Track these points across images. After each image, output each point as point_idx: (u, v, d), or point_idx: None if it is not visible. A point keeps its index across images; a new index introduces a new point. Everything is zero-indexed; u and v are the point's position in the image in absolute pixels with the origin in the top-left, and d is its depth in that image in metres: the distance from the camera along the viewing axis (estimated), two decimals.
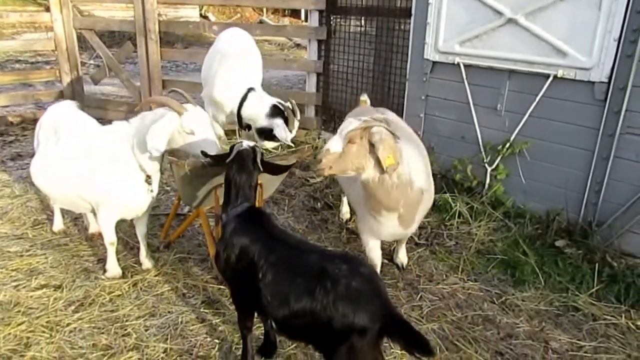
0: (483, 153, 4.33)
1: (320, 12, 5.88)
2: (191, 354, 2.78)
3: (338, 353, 2.03)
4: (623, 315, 3.14)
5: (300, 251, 2.28)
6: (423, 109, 4.74)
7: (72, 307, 3.12)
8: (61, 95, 6.74)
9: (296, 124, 4.56)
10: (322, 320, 2.03)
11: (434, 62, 4.53)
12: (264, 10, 19.34)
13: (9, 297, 3.18)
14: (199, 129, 3.07)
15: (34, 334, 2.86)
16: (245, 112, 4.58)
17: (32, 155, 3.61)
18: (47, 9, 6.64)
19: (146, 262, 3.55)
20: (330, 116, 6.14)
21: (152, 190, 3.29)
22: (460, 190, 4.36)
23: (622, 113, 3.52)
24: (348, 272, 2.07)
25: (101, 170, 3.15)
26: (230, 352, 2.81)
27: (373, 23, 5.69)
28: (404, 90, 4.95)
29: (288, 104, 4.51)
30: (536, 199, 4.11)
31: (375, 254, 3.21)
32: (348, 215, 4.30)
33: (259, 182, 2.82)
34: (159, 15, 6.56)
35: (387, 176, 2.73)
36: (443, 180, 4.48)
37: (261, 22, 17.22)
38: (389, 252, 3.75)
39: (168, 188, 4.84)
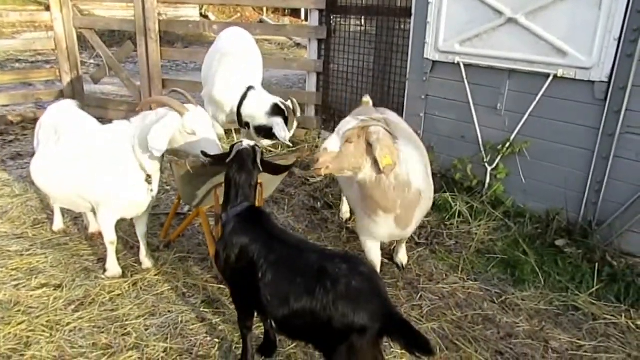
0: (483, 152, 4.33)
1: (321, 11, 5.88)
2: (191, 353, 2.78)
3: (338, 352, 2.03)
4: (623, 315, 3.15)
5: (300, 250, 2.28)
6: (423, 108, 4.74)
7: (72, 307, 3.12)
8: (61, 95, 6.73)
9: (295, 124, 4.56)
10: (322, 319, 2.03)
11: (434, 62, 4.53)
12: (264, 9, 19.33)
13: (9, 296, 3.18)
14: (200, 130, 3.06)
15: (34, 333, 2.87)
16: (245, 111, 4.58)
17: (32, 154, 3.61)
18: (47, 8, 6.63)
19: (146, 262, 3.55)
20: (330, 116, 6.14)
21: (152, 190, 3.29)
22: (460, 190, 4.36)
23: (622, 112, 3.52)
24: (348, 272, 2.07)
25: (101, 169, 3.15)
26: (230, 351, 2.81)
27: (373, 22, 5.68)
28: (404, 89, 4.95)
29: (289, 102, 4.51)
30: (536, 198, 4.11)
31: (374, 255, 3.20)
32: (348, 215, 4.30)
33: (259, 181, 2.82)
34: (159, 14, 6.55)
35: (384, 177, 2.71)
36: (443, 179, 4.49)
37: (261, 21, 17.22)
38: (388, 251, 3.75)
39: (168, 187, 4.84)
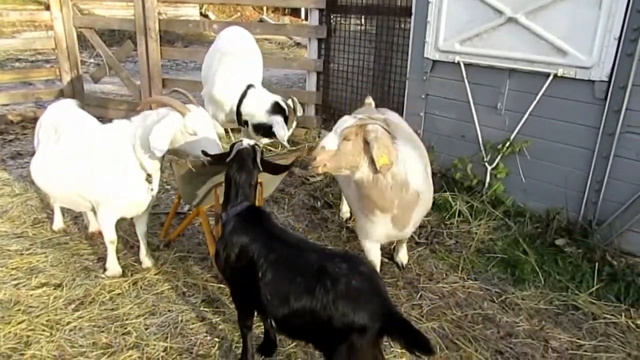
0: (483, 152, 4.33)
1: (321, 10, 5.88)
2: (191, 353, 2.78)
3: (338, 352, 2.03)
4: (623, 314, 3.15)
5: (300, 250, 2.28)
6: (423, 107, 4.74)
7: (72, 306, 3.12)
8: (61, 94, 6.73)
9: (294, 123, 4.56)
10: (322, 319, 2.03)
11: (434, 61, 4.52)
12: (264, 8, 19.31)
13: (9, 295, 3.18)
14: (201, 130, 3.06)
15: (34, 333, 2.87)
16: (245, 109, 4.57)
17: (32, 154, 3.61)
18: (47, 8, 6.63)
19: (146, 261, 3.55)
20: (331, 115, 6.14)
21: (152, 189, 3.29)
22: (460, 189, 4.36)
23: (623, 112, 3.52)
24: (348, 271, 2.07)
25: (101, 168, 3.15)
26: (230, 350, 2.81)
27: (373, 22, 5.68)
28: (404, 89, 4.95)
29: (289, 101, 4.50)
30: (536, 197, 4.11)
31: (374, 255, 3.19)
32: (348, 214, 4.30)
33: (259, 181, 2.82)
34: (159, 13, 6.55)
35: (382, 176, 2.70)
36: (443, 179, 4.48)
37: (261, 20, 17.22)
38: (389, 250, 3.75)
39: (168, 187, 4.84)
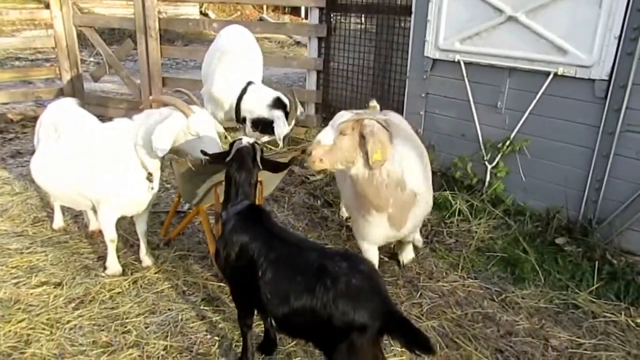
0: (483, 151, 4.33)
1: (321, 9, 5.87)
2: (191, 351, 2.78)
3: (338, 351, 2.03)
4: (623, 313, 3.15)
5: (300, 249, 2.28)
6: (423, 106, 4.74)
7: (72, 305, 3.12)
8: (61, 93, 6.73)
9: (294, 120, 4.55)
10: (322, 317, 2.03)
11: (435, 60, 4.52)
12: (264, 7, 19.28)
13: (9, 294, 3.19)
14: (204, 132, 3.05)
15: (34, 331, 2.87)
16: (244, 105, 4.55)
17: (32, 152, 3.61)
18: (47, 6, 6.63)
19: (146, 260, 3.55)
20: (331, 114, 6.08)
21: (152, 188, 3.29)
22: (460, 188, 4.36)
23: (623, 111, 3.52)
24: (348, 270, 2.07)
25: (102, 167, 3.15)
26: (230, 349, 2.81)
27: (373, 20, 5.68)
28: (404, 87, 4.94)
29: (290, 97, 4.49)
30: (536, 196, 4.11)
31: (371, 256, 3.18)
32: (348, 213, 4.29)
33: (259, 179, 2.82)
34: (159, 12, 6.56)
35: (377, 173, 2.68)
36: (443, 177, 4.49)
37: (261, 19, 17.19)
38: (389, 249, 3.75)
39: (168, 185, 4.84)
